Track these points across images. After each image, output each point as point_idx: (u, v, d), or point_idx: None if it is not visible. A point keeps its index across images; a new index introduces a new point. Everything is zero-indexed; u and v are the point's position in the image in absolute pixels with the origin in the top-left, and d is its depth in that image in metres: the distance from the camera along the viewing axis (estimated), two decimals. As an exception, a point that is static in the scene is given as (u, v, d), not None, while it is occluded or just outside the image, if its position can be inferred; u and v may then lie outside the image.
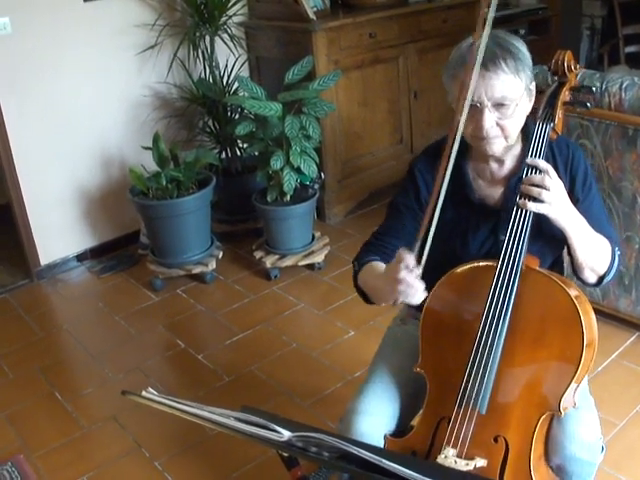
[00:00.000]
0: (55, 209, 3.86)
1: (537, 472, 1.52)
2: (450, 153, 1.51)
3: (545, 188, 1.52)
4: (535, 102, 1.66)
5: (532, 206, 1.53)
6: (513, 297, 1.54)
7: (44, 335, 3.40)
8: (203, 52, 3.90)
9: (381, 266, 1.70)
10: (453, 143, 1.52)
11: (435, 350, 1.66)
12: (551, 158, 1.68)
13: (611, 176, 2.74)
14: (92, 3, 3.69)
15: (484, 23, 1.51)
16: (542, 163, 1.56)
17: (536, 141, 1.61)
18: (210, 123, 4.05)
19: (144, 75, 3.97)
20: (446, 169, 1.51)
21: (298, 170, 3.50)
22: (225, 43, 3.90)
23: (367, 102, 4.19)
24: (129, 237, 4.12)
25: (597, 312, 2.95)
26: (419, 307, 1.67)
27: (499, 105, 1.57)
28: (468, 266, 1.64)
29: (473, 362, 1.54)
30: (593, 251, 1.63)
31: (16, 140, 3.62)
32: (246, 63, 4.24)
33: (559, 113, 1.65)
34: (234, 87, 3.97)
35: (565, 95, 1.67)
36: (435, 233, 1.49)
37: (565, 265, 1.84)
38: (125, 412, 2.77)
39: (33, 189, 3.75)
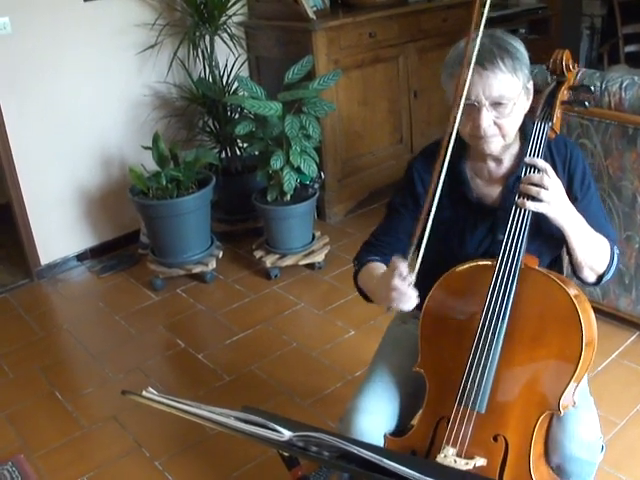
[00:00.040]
0: (55, 209, 3.87)
1: (537, 471, 1.52)
2: (445, 153, 1.52)
3: (544, 187, 1.52)
4: (533, 101, 1.66)
5: (531, 205, 1.53)
6: (512, 296, 1.54)
7: (44, 335, 3.40)
8: (203, 52, 3.90)
9: (379, 267, 1.72)
10: (448, 142, 1.53)
11: (434, 349, 1.66)
12: (549, 157, 1.68)
13: (611, 175, 2.74)
14: (92, 3, 3.69)
15: (478, 21, 1.52)
16: (541, 162, 1.56)
17: (534, 140, 1.61)
18: (210, 123, 4.05)
19: (144, 75, 3.97)
20: (441, 169, 1.52)
21: (298, 170, 3.50)
22: (225, 43, 3.90)
23: (367, 101, 4.19)
24: (129, 237, 4.12)
25: (597, 311, 2.95)
26: (419, 306, 1.67)
27: (497, 104, 1.57)
28: (467, 265, 1.64)
29: (472, 361, 1.54)
30: (592, 250, 1.63)
31: (16, 140, 3.62)
32: (246, 63, 4.24)
33: (557, 112, 1.65)
34: (234, 87, 3.97)
35: (563, 94, 1.67)
36: (432, 232, 1.51)
37: (565, 265, 1.84)
38: (125, 412, 2.77)
39: (33, 189, 3.75)
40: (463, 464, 1.50)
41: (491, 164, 1.71)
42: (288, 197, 3.61)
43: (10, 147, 3.61)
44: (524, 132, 1.68)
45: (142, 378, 2.98)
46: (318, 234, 3.83)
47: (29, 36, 3.53)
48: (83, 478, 2.49)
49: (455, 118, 1.55)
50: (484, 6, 1.55)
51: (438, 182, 1.52)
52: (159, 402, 1.40)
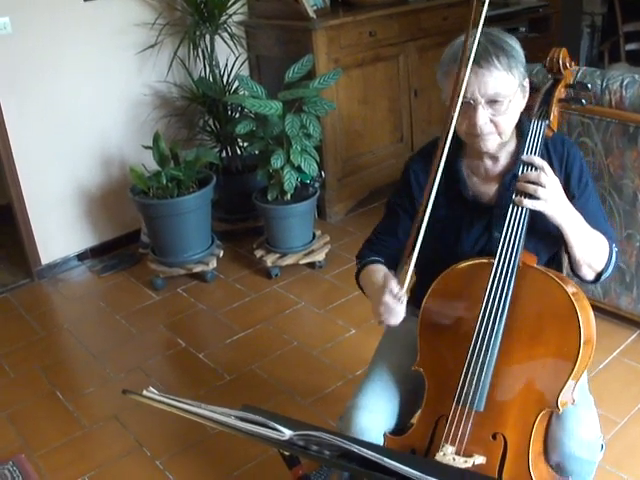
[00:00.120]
0: (56, 208, 3.87)
1: (536, 469, 1.52)
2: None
3: (541, 185, 1.53)
4: (531, 99, 1.67)
5: (528, 203, 1.53)
6: (510, 294, 1.54)
7: (45, 334, 3.40)
8: (203, 51, 3.90)
9: (379, 271, 1.76)
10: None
11: (433, 348, 1.66)
12: (546, 155, 1.68)
13: (612, 174, 2.73)
14: (92, 2, 3.68)
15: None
16: (538, 160, 1.56)
17: (531, 138, 1.61)
18: (210, 122, 4.05)
19: (144, 74, 3.97)
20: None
21: (298, 169, 3.50)
22: (225, 42, 3.90)
23: (367, 100, 4.19)
24: (130, 236, 4.12)
25: (598, 310, 2.96)
26: (419, 305, 1.68)
27: (492, 102, 1.58)
28: (465, 264, 1.64)
29: (470, 359, 1.54)
30: (590, 248, 1.63)
31: (16, 140, 3.62)
32: (246, 62, 4.24)
33: (554, 110, 1.65)
34: (234, 86, 3.97)
35: (560, 92, 1.67)
36: (429, 231, 1.53)
37: (565, 264, 1.83)
38: (126, 411, 2.77)
39: (34, 189, 3.75)
40: (462, 462, 1.50)
41: (487, 162, 1.72)
42: (288, 196, 3.61)
43: (10, 147, 3.61)
44: (521, 130, 1.69)
45: (143, 377, 2.98)
46: (318, 233, 3.83)
47: (29, 36, 3.53)
48: (84, 477, 2.49)
49: (452, 117, 1.55)
50: (483, 5, 1.55)
51: (434, 183, 1.53)
52: (160, 401, 1.40)
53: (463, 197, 1.73)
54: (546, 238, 1.67)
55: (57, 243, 3.91)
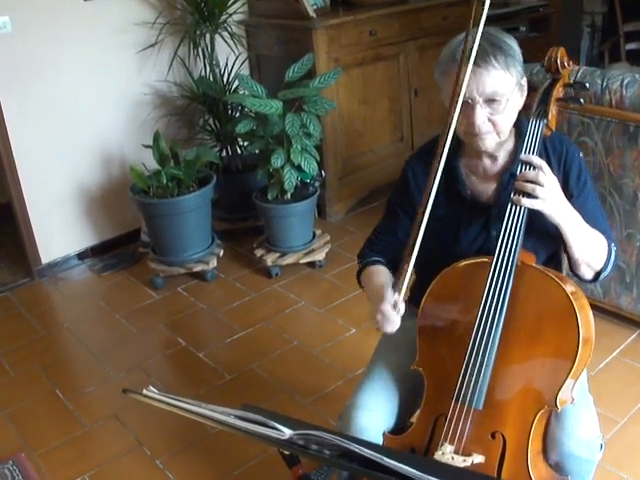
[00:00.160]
0: (56, 207, 3.87)
1: (535, 468, 1.52)
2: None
3: (539, 184, 1.53)
4: (529, 99, 1.67)
5: (526, 202, 1.54)
6: (508, 293, 1.54)
7: (45, 333, 3.40)
8: (203, 50, 3.89)
9: (378, 274, 1.79)
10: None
11: (432, 347, 1.66)
12: (545, 154, 1.68)
13: (612, 173, 2.73)
14: (92, 2, 3.68)
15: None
16: (536, 159, 1.56)
17: (529, 137, 1.62)
18: (210, 121, 4.05)
19: (144, 73, 3.97)
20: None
21: (299, 168, 3.50)
22: (225, 41, 3.90)
23: (368, 100, 4.19)
24: (130, 235, 4.13)
25: (598, 309, 2.96)
26: (418, 304, 1.68)
27: (490, 101, 1.58)
28: (463, 263, 1.64)
29: (469, 359, 1.55)
30: (589, 247, 1.63)
31: (16, 139, 3.62)
32: (246, 61, 4.23)
33: (552, 109, 1.65)
34: (234, 85, 3.97)
35: (559, 91, 1.68)
36: (427, 230, 1.54)
37: (565, 264, 1.83)
38: (126, 410, 2.77)
39: (34, 188, 3.75)
40: (460, 461, 1.50)
41: (486, 161, 1.72)
42: (289, 195, 3.61)
43: (10, 146, 3.61)
44: (519, 129, 1.70)
45: (143, 377, 2.98)
46: (319, 232, 3.83)
47: (29, 35, 3.53)
48: (84, 477, 2.49)
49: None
50: (484, 5, 1.55)
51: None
52: (160, 401, 1.41)
53: (461, 196, 1.73)
54: (544, 237, 1.67)
55: (57, 242, 3.91)
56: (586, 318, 1.53)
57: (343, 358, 2.97)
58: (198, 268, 3.67)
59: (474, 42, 1.54)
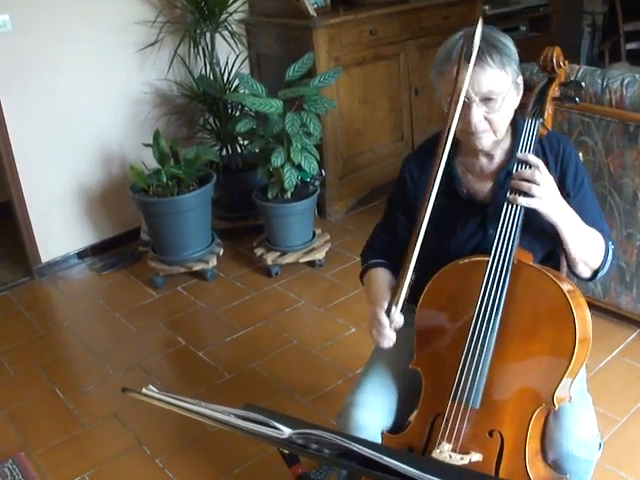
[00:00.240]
0: (56, 206, 3.87)
1: (533, 466, 1.52)
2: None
3: (535, 183, 1.53)
4: (525, 98, 1.67)
5: (522, 201, 1.54)
6: (505, 292, 1.54)
7: (45, 332, 3.40)
8: (203, 49, 3.89)
9: (378, 280, 1.81)
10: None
11: (430, 346, 1.67)
12: (541, 153, 1.69)
13: (612, 173, 2.73)
14: (92, 0, 3.68)
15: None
16: (533, 158, 1.56)
17: (526, 136, 1.62)
18: (211, 120, 4.05)
19: (144, 72, 3.97)
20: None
21: (299, 167, 3.50)
22: (225, 40, 3.90)
23: (368, 99, 4.19)
24: (130, 234, 4.12)
25: (598, 309, 2.96)
26: (416, 302, 1.69)
27: (486, 99, 1.59)
28: (460, 262, 1.65)
29: (466, 357, 1.55)
30: (585, 245, 1.63)
31: (16, 137, 3.62)
32: (246, 60, 4.23)
33: (549, 109, 1.66)
34: (234, 84, 3.97)
35: (554, 91, 1.69)
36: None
37: (564, 263, 1.83)
38: (126, 409, 2.77)
39: (34, 186, 3.75)
40: (458, 459, 1.50)
41: (483, 160, 1.72)
42: (289, 194, 3.61)
43: (10, 145, 3.61)
44: (515, 128, 1.70)
45: (143, 376, 2.98)
46: (319, 231, 3.83)
47: (29, 34, 3.53)
48: (84, 476, 2.49)
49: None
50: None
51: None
52: (159, 400, 1.41)
53: (458, 195, 1.74)
54: (541, 236, 1.67)
55: (57, 241, 3.91)
56: (583, 316, 1.52)
57: (343, 357, 2.97)
58: (198, 267, 3.67)
59: (467, 41, 1.56)
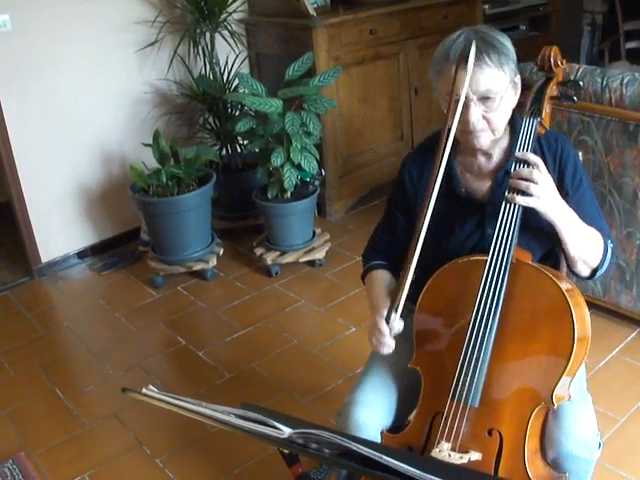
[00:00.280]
0: (56, 206, 3.87)
1: (532, 465, 1.52)
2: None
3: (533, 182, 1.53)
4: (523, 97, 1.68)
5: (520, 200, 1.54)
6: (503, 291, 1.54)
7: (45, 332, 3.40)
8: (203, 49, 3.89)
9: (378, 283, 1.83)
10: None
11: (429, 346, 1.67)
12: (539, 152, 1.69)
13: (612, 172, 2.73)
14: (92, 0, 3.68)
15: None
16: (532, 157, 1.57)
17: (524, 135, 1.62)
18: (210, 120, 4.05)
19: (144, 72, 3.97)
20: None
21: (299, 167, 3.50)
22: (225, 40, 3.90)
23: (368, 98, 4.19)
24: (130, 234, 4.12)
25: (598, 308, 2.96)
26: (415, 302, 1.69)
27: (484, 98, 1.59)
28: (458, 261, 1.65)
29: (465, 356, 1.55)
30: (584, 244, 1.63)
31: (16, 137, 3.62)
32: (246, 60, 4.23)
33: (546, 108, 1.66)
34: (234, 84, 3.97)
35: (552, 90, 1.69)
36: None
37: (564, 262, 1.83)
38: (126, 409, 2.77)
39: (34, 186, 3.75)
40: (457, 458, 1.50)
41: (481, 159, 1.73)
42: (288, 194, 3.61)
43: (10, 145, 3.61)
44: (513, 127, 1.70)
45: (143, 375, 2.98)
46: (319, 231, 3.83)
47: (29, 34, 3.53)
48: (84, 476, 2.49)
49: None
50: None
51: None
52: (159, 400, 1.41)
53: (456, 194, 1.74)
54: (539, 234, 1.67)
55: (57, 241, 3.91)
56: (581, 315, 1.52)
57: (343, 357, 2.97)
58: (198, 267, 3.67)
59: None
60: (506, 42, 1.62)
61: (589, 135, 2.74)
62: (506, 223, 1.56)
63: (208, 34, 3.85)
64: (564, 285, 1.53)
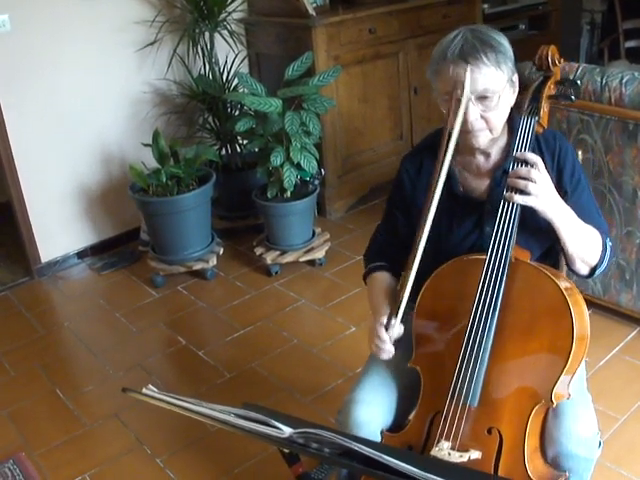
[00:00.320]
0: (55, 206, 3.87)
1: (532, 464, 1.52)
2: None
3: (531, 180, 1.53)
4: (520, 96, 1.68)
5: (518, 199, 1.54)
6: (502, 290, 1.54)
7: (45, 333, 3.40)
8: (203, 48, 3.89)
9: (383, 283, 1.83)
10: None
11: (428, 345, 1.67)
12: (538, 151, 1.69)
13: (611, 171, 2.73)
14: (92, 0, 3.68)
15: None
16: (531, 155, 1.57)
17: (522, 135, 1.63)
18: (210, 120, 4.04)
19: (144, 72, 3.97)
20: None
21: (298, 166, 3.50)
22: (225, 39, 3.90)
23: (367, 98, 4.19)
24: (130, 234, 4.12)
25: (598, 307, 2.96)
26: (415, 301, 1.69)
27: (482, 98, 1.59)
28: (457, 261, 1.65)
29: (464, 355, 1.55)
30: (583, 242, 1.63)
31: (16, 137, 3.62)
32: (246, 59, 4.23)
33: (544, 107, 1.66)
34: (234, 83, 3.97)
35: (550, 89, 1.69)
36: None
37: (563, 261, 1.84)
38: (126, 409, 2.77)
39: (33, 186, 3.75)
40: (457, 457, 1.51)
41: (479, 158, 1.73)
42: (288, 194, 3.61)
43: (10, 145, 3.61)
44: (511, 126, 1.70)
45: (143, 375, 2.98)
46: (319, 230, 3.83)
47: (29, 33, 3.53)
48: (84, 476, 2.49)
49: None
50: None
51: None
52: (160, 399, 1.41)
53: (454, 193, 1.74)
54: (538, 233, 1.67)
55: (57, 241, 3.91)
56: (580, 314, 1.53)
57: (343, 356, 2.97)
58: (198, 266, 3.67)
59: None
60: (503, 41, 1.62)
61: (589, 134, 2.74)
62: (504, 222, 1.56)
63: (207, 34, 3.85)
64: (563, 284, 1.53)
